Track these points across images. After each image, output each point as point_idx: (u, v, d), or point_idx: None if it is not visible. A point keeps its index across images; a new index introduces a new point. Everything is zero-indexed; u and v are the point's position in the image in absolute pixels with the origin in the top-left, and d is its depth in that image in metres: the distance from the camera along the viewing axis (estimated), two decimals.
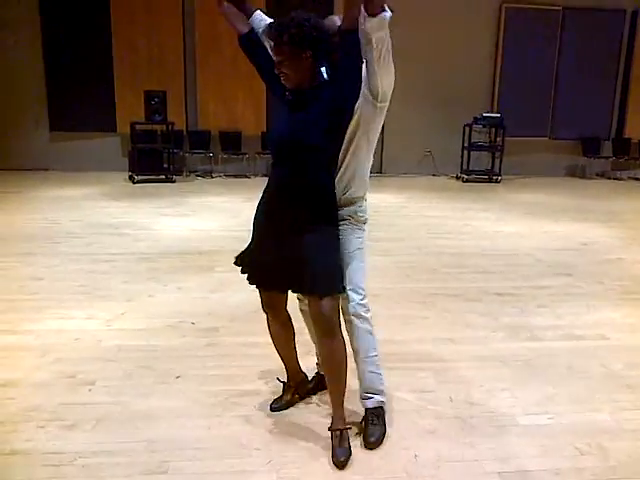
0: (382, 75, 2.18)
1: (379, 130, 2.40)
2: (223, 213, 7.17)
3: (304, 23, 2.12)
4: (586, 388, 2.92)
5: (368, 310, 2.42)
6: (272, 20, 2.37)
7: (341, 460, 2.27)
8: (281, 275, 2.35)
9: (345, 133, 2.29)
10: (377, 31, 2.07)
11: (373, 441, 2.40)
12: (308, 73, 2.19)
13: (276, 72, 2.21)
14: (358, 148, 2.35)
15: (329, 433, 2.38)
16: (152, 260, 5.00)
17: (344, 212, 2.39)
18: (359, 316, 2.38)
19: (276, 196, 2.31)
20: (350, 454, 2.31)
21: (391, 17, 2.08)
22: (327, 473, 2.23)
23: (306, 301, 2.44)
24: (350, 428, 2.41)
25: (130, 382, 2.88)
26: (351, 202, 2.40)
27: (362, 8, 2.05)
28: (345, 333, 2.37)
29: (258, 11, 2.56)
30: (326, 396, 2.74)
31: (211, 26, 10.09)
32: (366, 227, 2.48)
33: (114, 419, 2.54)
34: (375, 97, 2.22)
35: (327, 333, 2.29)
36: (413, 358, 3.21)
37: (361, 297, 2.39)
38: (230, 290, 4.21)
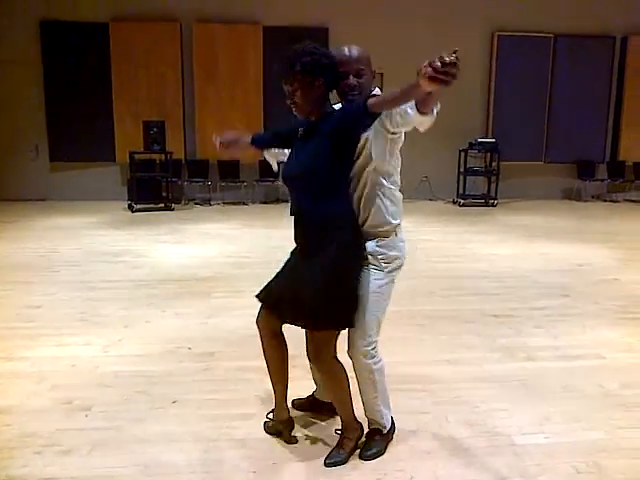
0: (398, 122, 2.15)
1: (397, 161, 2.33)
2: (221, 240, 7.19)
3: (315, 51, 2.17)
4: (582, 407, 2.92)
5: (373, 357, 2.36)
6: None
7: (327, 462, 2.38)
8: (282, 298, 2.37)
9: (350, 160, 2.25)
10: (420, 123, 2.08)
11: (367, 454, 2.44)
12: (319, 101, 2.23)
13: (288, 102, 2.25)
14: (372, 181, 2.28)
15: (324, 457, 2.42)
16: (150, 287, 5.02)
17: (367, 249, 2.33)
18: (360, 362, 2.36)
19: (295, 223, 2.37)
20: (342, 461, 2.39)
21: (438, 112, 2.06)
22: None
23: None
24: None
25: (126, 407, 2.88)
26: (374, 236, 2.33)
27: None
28: None
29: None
30: (321, 419, 2.75)
31: (209, 57, 10.29)
32: (393, 271, 2.38)
33: (110, 444, 2.54)
34: (387, 131, 2.21)
35: (314, 360, 2.37)
36: (411, 380, 3.21)
37: (366, 343, 2.33)
38: (227, 316, 4.21)
